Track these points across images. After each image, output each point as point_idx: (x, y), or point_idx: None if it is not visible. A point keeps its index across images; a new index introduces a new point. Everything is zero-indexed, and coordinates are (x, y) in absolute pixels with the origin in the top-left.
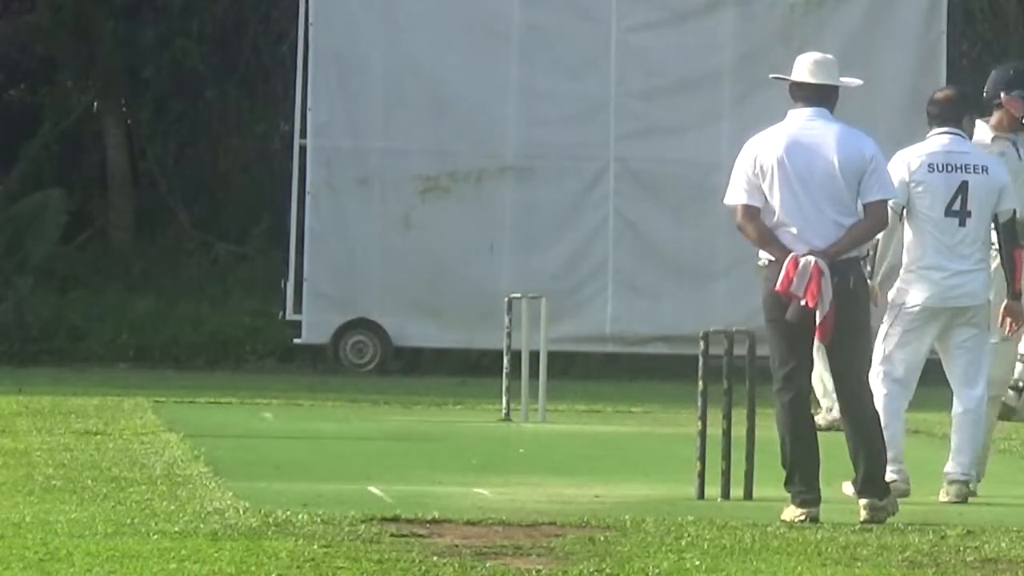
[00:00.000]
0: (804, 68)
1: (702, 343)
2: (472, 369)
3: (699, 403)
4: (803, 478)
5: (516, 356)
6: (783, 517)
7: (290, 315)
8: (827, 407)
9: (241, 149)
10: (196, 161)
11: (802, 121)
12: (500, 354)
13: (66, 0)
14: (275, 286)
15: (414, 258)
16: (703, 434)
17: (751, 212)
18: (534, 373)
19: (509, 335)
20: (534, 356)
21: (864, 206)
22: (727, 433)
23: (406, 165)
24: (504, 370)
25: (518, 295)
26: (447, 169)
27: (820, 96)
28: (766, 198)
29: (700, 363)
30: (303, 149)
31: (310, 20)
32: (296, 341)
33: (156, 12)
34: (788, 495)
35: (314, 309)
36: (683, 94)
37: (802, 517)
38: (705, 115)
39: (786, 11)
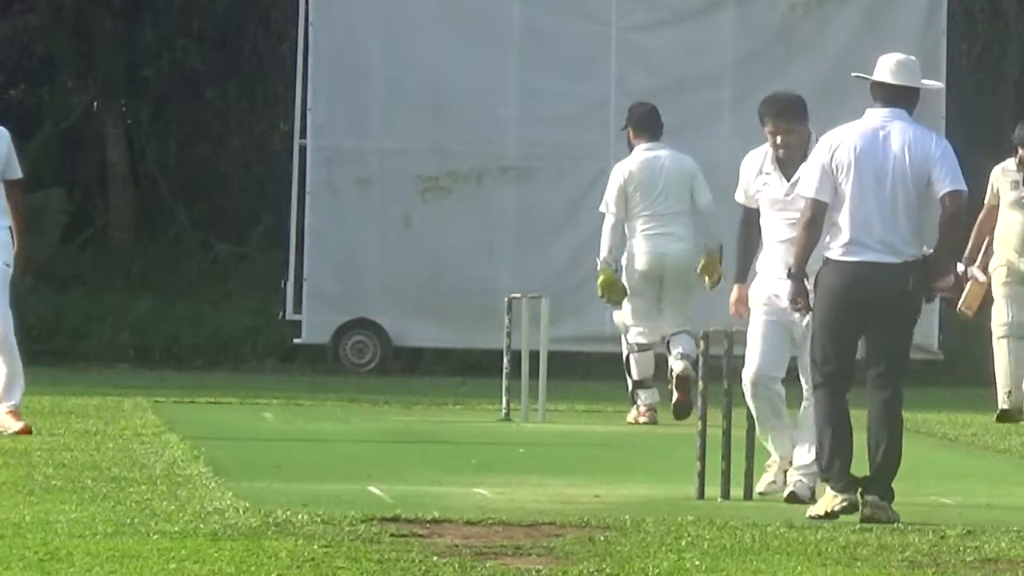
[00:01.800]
0: (885, 68)
1: (702, 343)
2: (472, 369)
3: (699, 403)
4: (842, 467)
5: (516, 356)
6: (817, 510)
7: (290, 315)
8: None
9: (241, 149)
10: (196, 161)
11: (878, 120)
12: (500, 354)
13: (66, 0)
14: (275, 286)
15: (414, 258)
16: (703, 434)
17: (819, 207)
18: (534, 373)
19: (509, 335)
20: (534, 356)
21: (939, 200)
22: (727, 433)
23: (406, 165)
24: (504, 370)
25: (518, 295)
26: (447, 169)
27: (899, 97)
28: (838, 193)
29: (700, 363)
30: (303, 149)
31: (310, 20)
32: (296, 341)
33: (156, 12)
34: (826, 485)
35: (314, 309)
36: (683, 94)
37: (843, 504)
38: (705, 115)
39: (786, 11)
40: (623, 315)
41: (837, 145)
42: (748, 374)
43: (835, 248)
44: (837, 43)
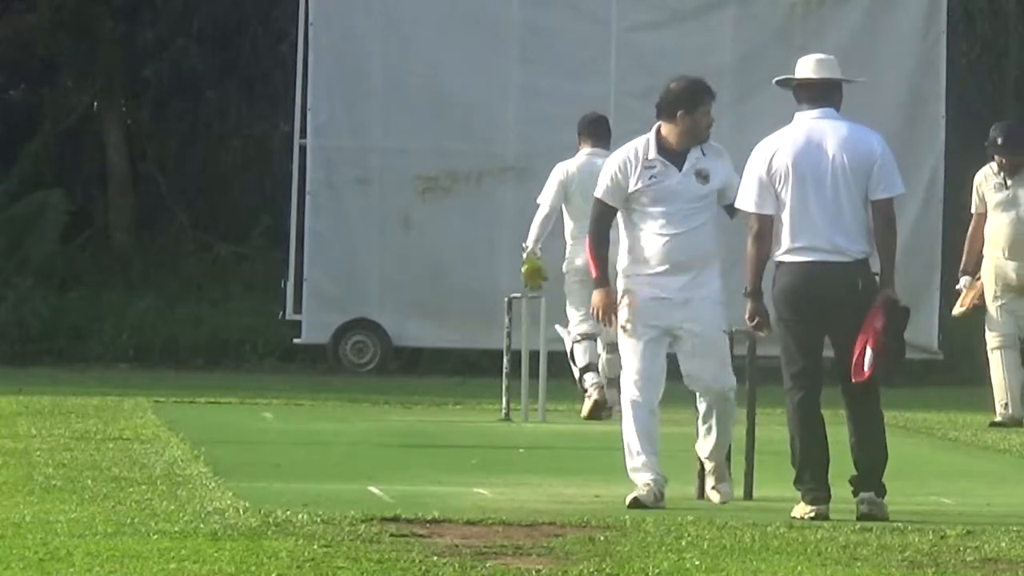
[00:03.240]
0: (806, 68)
1: None
2: (472, 369)
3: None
4: (813, 476)
5: (516, 356)
6: (793, 514)
7: (290, 315)
8: None
9: (241, 149)
10: (196, 161)
11: (809, 122)
12: (500, 354)
13: (66, 0)
14: (275, 286)
15: (414, 258)
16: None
17: (764, 220)
18: (534, 373)
19: (509, 335)
20: (534, 356)
21: (872, 203)
22: None
23: (406, 165)
24: (504, 370)
25: (518, 295)
26: (447, 169)
27: (824, 95)
28: (779, 201)
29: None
30: (303, 149)
31: (310, 20)
32: (296, 341)
33: (156, 12)
34: (798, 493)
35: (314, 309)
36: None
37: (812, 514)
38: None
39: (786, 11)
40: (568, 311)
41: (772, 154)
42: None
43: (783, 251)
44: (837, 43)
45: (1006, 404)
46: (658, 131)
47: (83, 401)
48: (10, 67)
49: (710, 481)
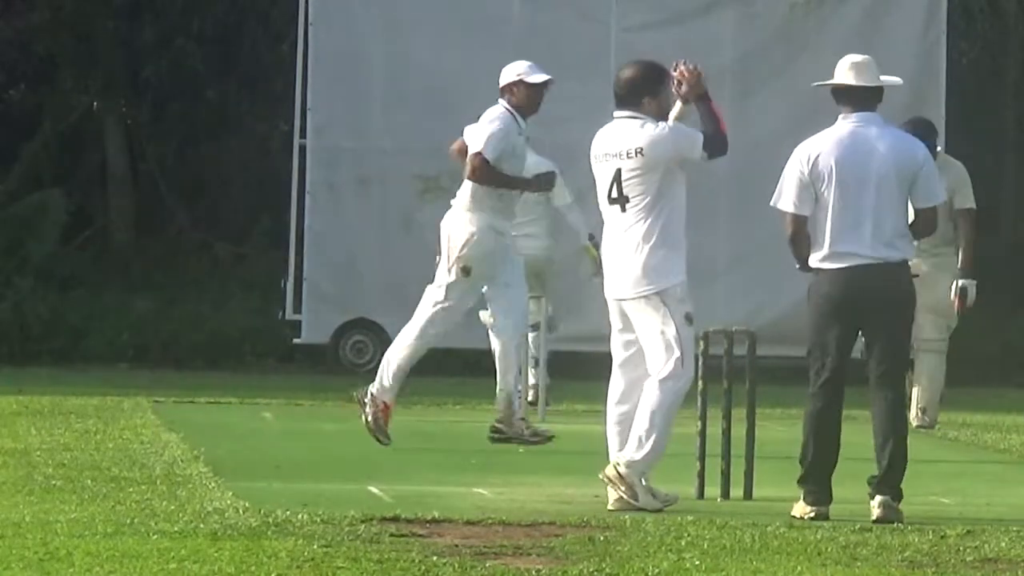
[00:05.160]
0: (848, 72)
1: (702, 343)
2: (472, 369)
3: (699, 403)
4: (818, 478)
5: None
6: (793, 513)
7: (290, 315)
8: None
9: (241, 149)
10: (196, 161)
11: (853, 126)
12: None
13: (66, 0)
14: (275, 286)
15: (414, 258)
16: (703, 434)
17: (800, 221)
18: None
19: None
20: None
21: (916, 211)
22: (727, 433)
23: (406, 165)
24: None
25: None
26: (447, 169)
27: (867, 98)
28: (818, 203)
29: (700, 363)
30: (303, 149)
31: (310, 20)
32: (296, 341)
33: (156, 12)
34: (800, 492)
35: (314, 309)
36: None
37: (812, 514)
38: None
39: (786, 11)
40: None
41: (816, 155)
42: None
43: (822, 258)
44: (837, 43)
45: (924, 409)
46: None
47: (83, 401)
48: (10, 67)
49: None
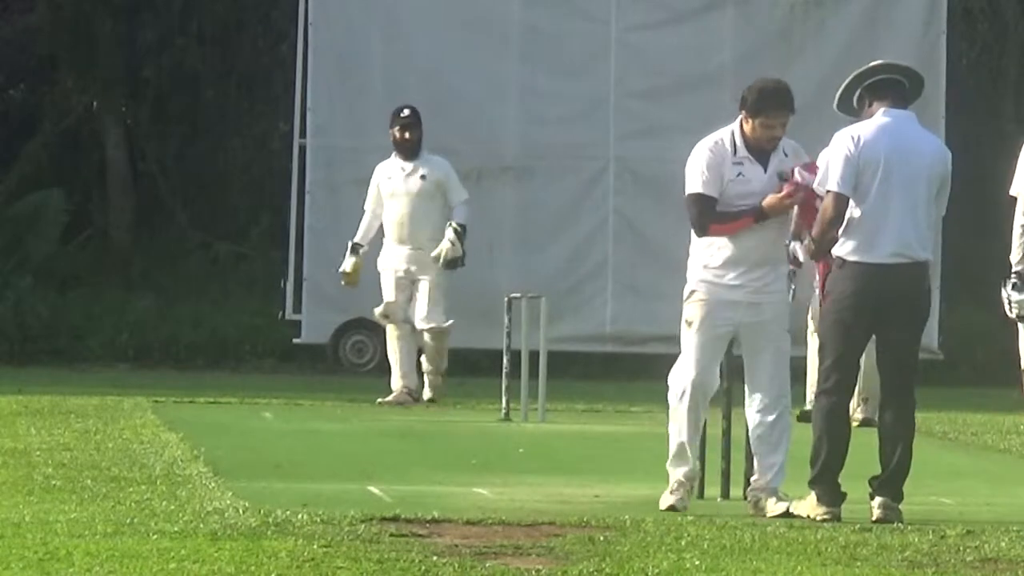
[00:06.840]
0: (892, 66)
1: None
2: (472, 369)
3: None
4: (831, 479)
5: (516, 356)
6: (804, 512)
7: (290, 315)
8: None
9: (241, 149)
10: (196, 161)
11: (901, 122)
12: (500, 354)
13: (66, 0)
14: (275, 286)
15: None
16: (703, 434)
17: (843, 201)
18: (534, 373)
19: (509, 335)
20: (534, 356)
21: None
22: (727, 433)
23: None
24: (504, 370)
25: (518, 295)
26: None
27: (906, 97)
28: (856, 191)
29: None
30: (303, 149)
31: (310, 20)
32: (296, 341)
33: (156, 12)
34: (813, 492)
35: (314, 309)
36: (683, 94)
37: (827, 516)
38: (705, 115)
39: (786, 11)
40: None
41: (865, 142)
42: (689, 381)
43: (853, 249)
44: (837, 43)
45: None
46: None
47: (83, 401)
48: (10, 67)
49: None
